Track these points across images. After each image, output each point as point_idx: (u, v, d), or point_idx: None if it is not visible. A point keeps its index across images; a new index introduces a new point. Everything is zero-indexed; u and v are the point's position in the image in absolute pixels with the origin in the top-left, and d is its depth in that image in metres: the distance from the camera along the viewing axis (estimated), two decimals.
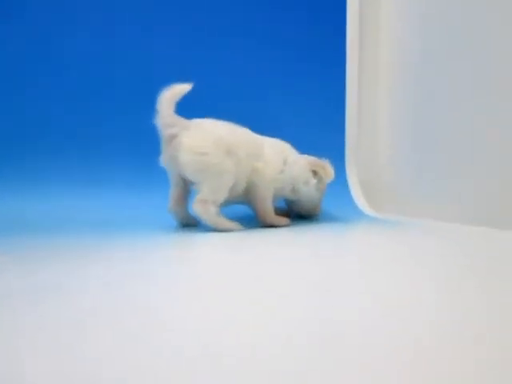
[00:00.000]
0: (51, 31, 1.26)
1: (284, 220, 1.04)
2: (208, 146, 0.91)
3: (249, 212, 1.08)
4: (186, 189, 0.97)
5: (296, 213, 1.15)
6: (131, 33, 1.31)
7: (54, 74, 1.27)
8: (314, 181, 1.06)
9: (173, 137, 0.92)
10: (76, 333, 0.35)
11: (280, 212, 1.10)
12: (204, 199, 0.91)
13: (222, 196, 0.93)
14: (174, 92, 0.92)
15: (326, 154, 1.11)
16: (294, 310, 0.40)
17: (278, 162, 1.02)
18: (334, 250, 0.74)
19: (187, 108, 0.93)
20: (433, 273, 0.55)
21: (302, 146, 1.11)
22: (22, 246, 0.72)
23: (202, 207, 0.91)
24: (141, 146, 1.22)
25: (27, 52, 1.25)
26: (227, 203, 1.00)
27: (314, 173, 1.06)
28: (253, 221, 1.05)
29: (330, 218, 1.16)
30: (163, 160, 0.94)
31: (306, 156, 1.08)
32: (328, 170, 1.07)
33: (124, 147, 1.27)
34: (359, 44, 1.41)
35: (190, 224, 0.99)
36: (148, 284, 0.50)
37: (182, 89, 0.93)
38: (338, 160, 1.26)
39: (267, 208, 1.01)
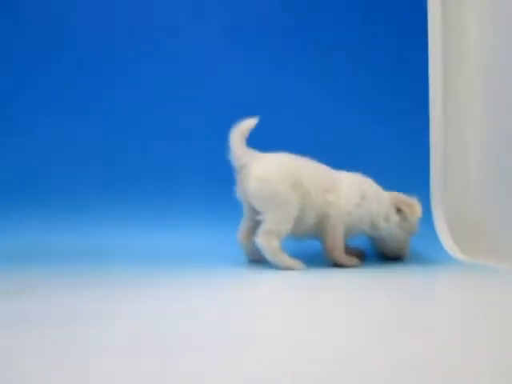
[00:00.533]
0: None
1: (353, 260, 1.00)
2: (275, 175, 0.94)
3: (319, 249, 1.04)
4: (257, 222, 0.96)
5: (381, 253, 1.10)
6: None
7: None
8: (396, 218, 1.01)
9: (243, 167, 0.96)
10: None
11: (352, 251, 1.05)
12: (268, 230, 0.92)
13: (286, 228, 0.93)
14: (242, 127, 0.97)
15: (409, 191, 1.05)
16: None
17: (353, 195, 0.99)
18: (405, 299, 0.67)
19: (261, 141, 0.96)
20: None
21: (383, 184, 1.06)
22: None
23: (265, 240, 0.92)
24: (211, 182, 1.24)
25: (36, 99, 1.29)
26: (299, 237, 1.00)
27: (399, 210, 1.02)
28: (321, 259, 1.02)
29: (412, 261, 1.08)
30: (237, 191, 0.99)
31: (391, 192, 1.04)
32: (415, 208, 1.02)
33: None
34: (443, 69, 1.32)
35: (257, 259, 0.99)
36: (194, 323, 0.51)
37: (249, 124, 0.97)
38: (423, 198, 1.17)
39: (336, 243, 0.98)
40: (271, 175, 0.94)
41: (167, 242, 1.17)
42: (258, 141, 0.97)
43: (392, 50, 1.35)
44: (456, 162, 1.32)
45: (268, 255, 0.93)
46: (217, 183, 1.17)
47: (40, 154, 1.27)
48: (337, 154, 1.11)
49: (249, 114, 0.99)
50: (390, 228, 1.01)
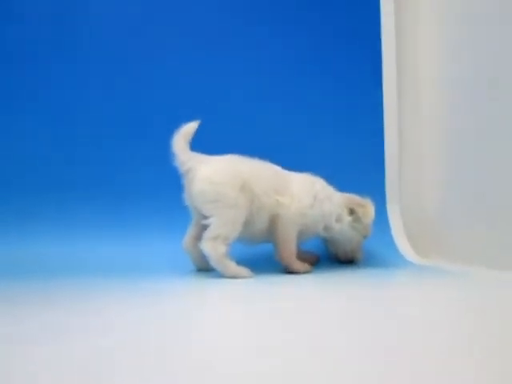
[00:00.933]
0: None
1: (305, 266, 0.97)
2: (221, 177, 0.90)
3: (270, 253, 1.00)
4: (204, 228, 0.91)
5: (334, 257, 1.07)
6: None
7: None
8: (348, 218, 0.99)
9: (188, 171, 0.92)
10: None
11: (306, 255, 1.02)
12: (213, 236, 0.88)
13: (233, 232, 0.89)
14: (184, 131, 0.94)
15: (363, 191, 1.03)
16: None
17: (305, 196, 0.96)
18: (361, 305, 0.64)
19: (214, 144, 0.93)
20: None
21: (338, 184, 1.03)
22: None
23: (211, 245, 0.88)
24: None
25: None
26: (250, 242, 0.97)
27: (351, 211, 1.00)
28: (271, 265, 0.98)
29: (366, 264, 1.06)
30: (185, 197, 0.95)
31: (343, 194, 1.02)
32: (368, 208, 1.00)
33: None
34: (397, 65, 1.30)
35: (205, 267, 0.94)
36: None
37: (191, 127, 0.94)
38: (378, 199, 1.15)
39: (288, 248, 0.95)
40: (217, 177, 0.90)
41: (112, 250, 1.11)
42: (209, 144, 0.92)
43: (344, 46, 1.32)
44: (411, 162, 1.30)
45: (213, 262, 0.88)
46: (166, 189, 1.08)
47: None
48: (290, 155, 1.08)
49: (199, 114, 0.96)
50: (343, 229, 0.99)
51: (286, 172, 1.00)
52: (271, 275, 0.93)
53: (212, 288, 0.82)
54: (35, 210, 1.18)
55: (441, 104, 1.23)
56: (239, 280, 0.87)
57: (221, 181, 0.90)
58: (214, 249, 0.87)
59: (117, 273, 0.94)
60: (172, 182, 0.95)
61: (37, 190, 1.20)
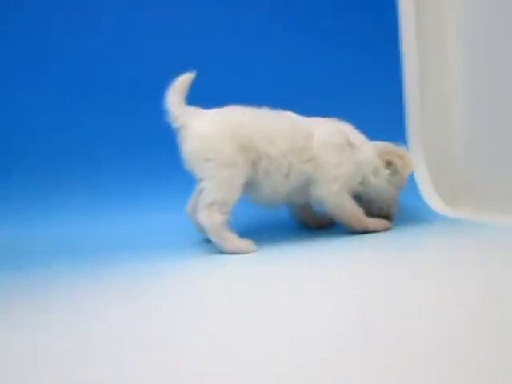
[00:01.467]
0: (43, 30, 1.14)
1: (382, 223, 0.89)
2: (215, 131, 0.80)
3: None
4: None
5: (366, 213, 0.94)
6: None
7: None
8: (385, 171, 0.89)
9: (182, 127, 0.82)
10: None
11: (320, 219, 0.95)
12: (209, 203, 0.78)
13: (231, 197, 0.80)
14: (179, 83, 0.83)
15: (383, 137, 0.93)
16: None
17: (334, 154, 0.84)
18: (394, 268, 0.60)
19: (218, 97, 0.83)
20: None
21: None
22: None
23: (207, 215, 0.78)
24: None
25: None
26: (267, 205, 0.88)
27: (388, 163, 0.89)
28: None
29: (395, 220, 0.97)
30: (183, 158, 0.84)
31: (377, 142, 0.91)
32: (406, 159, 0.90)
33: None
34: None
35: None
36: None
37: (186, 79, 0.84)
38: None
39: (350, 213, 0.86)
40: (210, 132, 0.80)
41: (113, 226, 1.04)
42: (213, 98, 0.82)
43: None
44: (436, 106, 1.18)
45: (210, 234, 0.79)
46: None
47: None
48: (305, 101, 0.96)
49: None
50: (380, 184, 0.89)
51: (306, 120, 0.88)
52: (278, 245, 0.84)
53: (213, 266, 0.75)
54: (29, 190, 1.11)
55: (470, 45, 1.11)
56: (241, 256, 0.78)
57: (214, 135, 0.80)
58: (209, 218, 0.78)
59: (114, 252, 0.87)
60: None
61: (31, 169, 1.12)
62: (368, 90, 1.17)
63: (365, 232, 0.87)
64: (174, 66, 0.83)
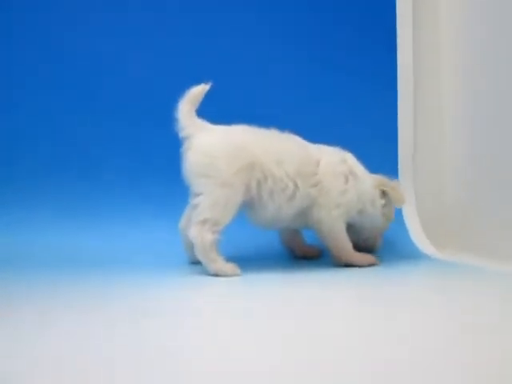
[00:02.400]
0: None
1: (368, 258, 0.90)
2: (218, 149, 0.81)
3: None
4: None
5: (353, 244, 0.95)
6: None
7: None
8: (381, 201, 0.91)
9: (187, 138, 0.83)
10: None
11: (308, 249, 0.96)
12: (202, 220, 0.78)
13: (224, 217, 0.80)
14: (192, 94, 0.84)
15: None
16: None
17: (339, 182, 0.87)
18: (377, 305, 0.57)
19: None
20: None
21: None
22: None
23: (198, 232, 0.78)
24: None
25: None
26: (266, 227, 0.89)
27: (383, 193, 0.91)
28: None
29: (381, 256, 0.96)
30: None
31: (372, 174, 0.93)
32: (398, 192, 0.93)
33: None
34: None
35: (196, 260, 0.83)
36: None
37: (200, 90, 0.85)
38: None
39: (341, 243, 0.87)
40: (213, 148, 0.81)
41: (102, 242, 1.03)
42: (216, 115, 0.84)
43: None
44: (428, 145, 1.20)
45: (198, 252, 0.79)
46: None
47: None
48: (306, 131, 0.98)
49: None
50: (376, 214, 0.91)
51: (312, 146, 0.90)
52: (263, 270, 0.84)
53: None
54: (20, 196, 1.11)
55: (462, 76, 1.14)
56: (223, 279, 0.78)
57: (215, 153, 0.81)
58: (200, 236, 0.78)
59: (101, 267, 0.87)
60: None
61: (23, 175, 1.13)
62: (363, 124, 1.19)
63: (349, 265, 0.87)
64: (182, 85, 0.85)
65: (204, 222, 0.78)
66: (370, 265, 0.89)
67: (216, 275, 0.78)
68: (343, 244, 0.87)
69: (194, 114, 0.84)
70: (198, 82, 0.86)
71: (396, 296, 0.68)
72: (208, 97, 0.86)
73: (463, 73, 1.14)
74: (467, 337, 0.45)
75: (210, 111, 0.85)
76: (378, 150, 1.14)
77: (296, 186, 0.83)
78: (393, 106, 1.20)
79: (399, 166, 1.18)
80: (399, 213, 1.13)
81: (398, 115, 1.19)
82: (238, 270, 0.80)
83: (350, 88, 1.20)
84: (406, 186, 1.16)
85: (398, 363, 0.37)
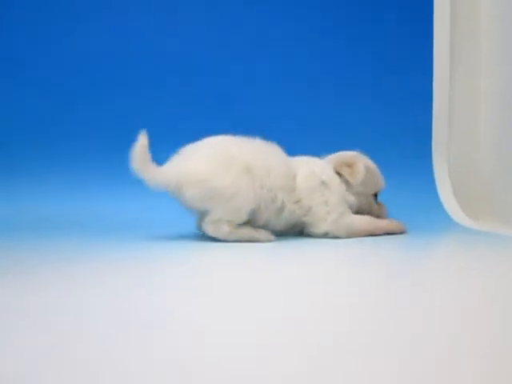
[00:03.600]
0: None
1: (398, 226, 0.90)
2: (208, 169, 0.77)
3: None
4: None
5: None
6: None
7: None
8: (342, 187, 0.87)
9: (169, 187, 0.79)
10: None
11: None
12: (215, 219, 0.79)
13: (240, 218, 0.79)
14: (139, 150, 0.78)
15: (409, 149, 0.92)
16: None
17: (315, 196, 0.84)
18: (409, 276, 0.57)
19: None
20: None
21: (383, 139, 0.94)
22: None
23: (213, 228, 0.79)
24: None
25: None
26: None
27: (338, 175, 0.87)
28: None
29: (414, 228, 0.95)
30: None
31: (330, 156, 0.90)
32: (354, 166, 0.87)
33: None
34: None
35: None
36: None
37: (143, 143, 0.78)
38: (425, 157, 1.06)
39: (363, 227, 0.86)
40: (203, 173, 0.77)
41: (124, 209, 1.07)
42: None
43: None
44: (463, 116, 1.18)
45: (223, 239, 0.79)
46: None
47: None
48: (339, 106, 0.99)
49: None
50: (353, 201, 0.87)
51: (288, 159, 0.87)
52: (295, 238, 0.84)
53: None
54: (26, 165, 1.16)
55: (500, 55, 1.10)
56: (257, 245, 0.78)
57: (209, 174, 0.77)
58: (216, 230, 0.79)
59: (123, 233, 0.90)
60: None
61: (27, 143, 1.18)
62: (397, 95, 1.18)
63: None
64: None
65: (218, 220, 0.78)
66: (401, 231, 0.90)
67: (250, 242, 0.79)
68: (366, 227, 0.87)
69: (149, 162, 0.78)
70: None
71: (425, 267, 0.67)
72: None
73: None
74: (497, 308, 0.45)
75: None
76: (412, 115, 1.13)
77: (283, 200, 0.81)
78: (428, 68, 1.18)
79: (433, 133, 1.17)
80: (431, 181, 1.13)
81: (434, 82, 1.17)
82: (270, 236, 0.81)
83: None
84: (439, 152, 1.15)
85: (426, 337, 0.36)
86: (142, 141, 0.77)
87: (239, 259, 0.71)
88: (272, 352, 0.33)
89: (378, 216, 0.90)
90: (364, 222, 0.87)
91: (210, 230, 0.79)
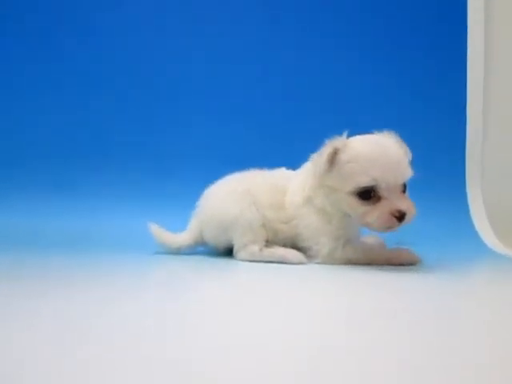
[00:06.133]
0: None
1: (408, 256, 0.77)
2: (214, 207, 0.85)
3: None
4: None
5: None
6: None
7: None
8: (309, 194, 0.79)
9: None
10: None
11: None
12: (242, 245, 0.82)
13: (258, 234, 0.81)
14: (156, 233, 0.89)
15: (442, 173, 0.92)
16: None
17: (305, 217, 0.80)
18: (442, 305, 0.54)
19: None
20: None
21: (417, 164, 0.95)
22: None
23: (243, 252, 0.82)
24: None
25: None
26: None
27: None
28: None
29: (444, 254, 0.94)
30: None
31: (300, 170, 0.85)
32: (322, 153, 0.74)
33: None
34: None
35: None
36: None
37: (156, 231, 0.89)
38: (458, 180, 1.06)
39: (362, 261, 0.76)
40: (207, 213, 0.86)
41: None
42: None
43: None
44: (497, 140, 1.18)
45: (257, 260, 0.80)
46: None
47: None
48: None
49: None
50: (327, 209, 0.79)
51: (280, 183, 0.84)
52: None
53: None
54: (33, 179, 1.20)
55: None
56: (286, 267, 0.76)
57: (212, 212, 0.85)
58: (246, 254, 0.81)
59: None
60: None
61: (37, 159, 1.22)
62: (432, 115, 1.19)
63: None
64: None
65: (243, 246, 0.81)
66: (412, 262, 0.77)
67: (281, 262, 0.79)
68: (365, 259, 0.77)
69: (167, 235, 0.89)
70: None
71: (456, 290, 0.64)
72: None
73: None
74: None
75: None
76: (446, 139, 1.13)
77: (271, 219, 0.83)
78: (462, 87, 1.19)
79: (466, 157, 1.17)
80: (465, 203, 1.12)
81: (468, 103, 1.18)
82: (301, 257, 0.79)
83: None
84: (473, 174, 1.15)
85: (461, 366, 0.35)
86: (155, 230, 0.88)
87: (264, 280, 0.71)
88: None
89: (367, 224, 0.73)
90: (361, 252, 0.77)
91: (241, 256, 0.82)
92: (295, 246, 0.82)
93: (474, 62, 1.19)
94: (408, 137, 1.13)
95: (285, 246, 0.82)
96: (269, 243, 0.82)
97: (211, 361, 0.35)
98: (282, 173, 0.87)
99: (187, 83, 1.24)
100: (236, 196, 0.82)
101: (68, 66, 1.24)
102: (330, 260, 0.77)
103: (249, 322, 0.46)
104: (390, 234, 0.88)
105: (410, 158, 0.76)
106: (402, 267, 0.75)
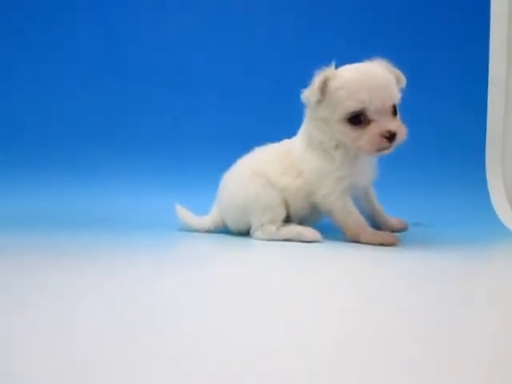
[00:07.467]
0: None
1: (389, 237, 0.76)
2: (231, 190, 0.86)
3: None
4: None
5: None
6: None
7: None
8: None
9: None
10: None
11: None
12: (259, 224, 0.82)
13: (277, 213, 0.81)
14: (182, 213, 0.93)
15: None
16: None
17: (309, 159, 0.80)
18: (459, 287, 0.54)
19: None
20: None
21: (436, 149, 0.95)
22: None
23: (260, 231, 0.82)
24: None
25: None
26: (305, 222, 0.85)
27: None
28: None
29: (459, 235, 0.91)
30: None
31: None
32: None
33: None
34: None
35: None
36: None
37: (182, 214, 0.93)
38: (478, 162, 1.06)
39: (350, 221, 0.78)
40: (225, 197, 0.88)
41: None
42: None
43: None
44: None
45: (274, 239, 0.81)
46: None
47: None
48: None
49: None
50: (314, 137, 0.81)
51: (284, 148, 0.85)
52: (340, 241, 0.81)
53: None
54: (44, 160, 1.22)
55: None
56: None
57: (229, 195, 0.86)
58: (264, 233, 0.82)
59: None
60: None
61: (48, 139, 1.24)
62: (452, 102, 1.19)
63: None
64: None
65: (260, 226, 0.82)
66: (390, 244, 0.75)
67: (298, 240, 0.79)
68: (353, 221, 0.78)
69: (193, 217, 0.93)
70: None
71: (474, 272, 0.63)
72: None
73: None
74: None
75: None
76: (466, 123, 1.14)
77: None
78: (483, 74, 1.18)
79: (487, 135, 1.17)
80: (484, 184, 1.12)
81: (489, 89, 1.17)
82: (319, 236, 0.79)
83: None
84: (492, 154, 1.15)
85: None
86: (181, 212, 0.92)
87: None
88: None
89: (359, 148, 0.73)
90: (354, 220, 0.78)
91: (258, 235, 0.82)
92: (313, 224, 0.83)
93: (496, 48, 1.17)
94: (430, 126, 1.14)
95: (301, 224, 0.83)
96: (285, 223, 0.82)
97: (226, 339, 0.37)
98: (283, 141, 0.87)
99: (205, 67, 1.26)
100: (248, 180, 0.82)
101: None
102: (329, 205, 0.79)
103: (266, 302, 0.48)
104: (409, 216, 0.90)
105: (404, 83, 0.77)
106: (423, 248, 0.76)
